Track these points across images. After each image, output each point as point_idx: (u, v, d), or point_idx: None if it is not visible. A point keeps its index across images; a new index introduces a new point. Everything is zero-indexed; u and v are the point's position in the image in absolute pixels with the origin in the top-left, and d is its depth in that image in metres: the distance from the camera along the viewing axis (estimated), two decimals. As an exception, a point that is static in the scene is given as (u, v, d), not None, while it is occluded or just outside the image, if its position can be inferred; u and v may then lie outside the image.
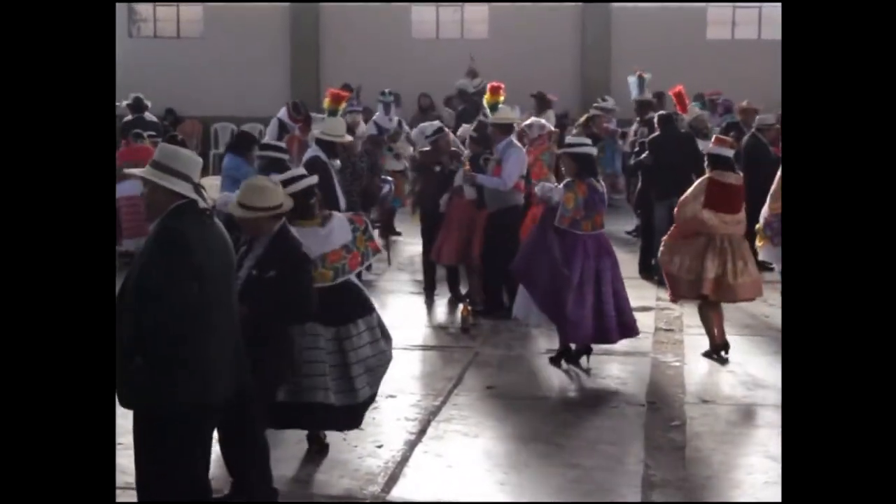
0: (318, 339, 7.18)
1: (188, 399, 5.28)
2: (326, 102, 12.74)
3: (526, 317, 9.85)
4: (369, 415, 7.71)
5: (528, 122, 13.10)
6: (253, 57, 23.84)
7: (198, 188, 5.39)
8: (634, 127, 16.51)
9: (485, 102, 12.32)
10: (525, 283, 9.60)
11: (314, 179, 7.39)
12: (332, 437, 7.75)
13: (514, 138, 11.56)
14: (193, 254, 5.22)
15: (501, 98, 11.99)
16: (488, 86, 12.42)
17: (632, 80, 17.49)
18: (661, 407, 8.58)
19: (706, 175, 9.91)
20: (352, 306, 7.37)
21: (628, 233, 16.50)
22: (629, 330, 9.72)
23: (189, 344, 5.21)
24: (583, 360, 9.69)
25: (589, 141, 10.09)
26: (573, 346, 9.71)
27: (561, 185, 9.55)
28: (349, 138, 11.82)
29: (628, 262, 13.99)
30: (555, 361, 9.70)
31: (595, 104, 18.56)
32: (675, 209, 10.08)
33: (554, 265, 9.32)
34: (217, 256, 5.43)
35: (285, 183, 7.11)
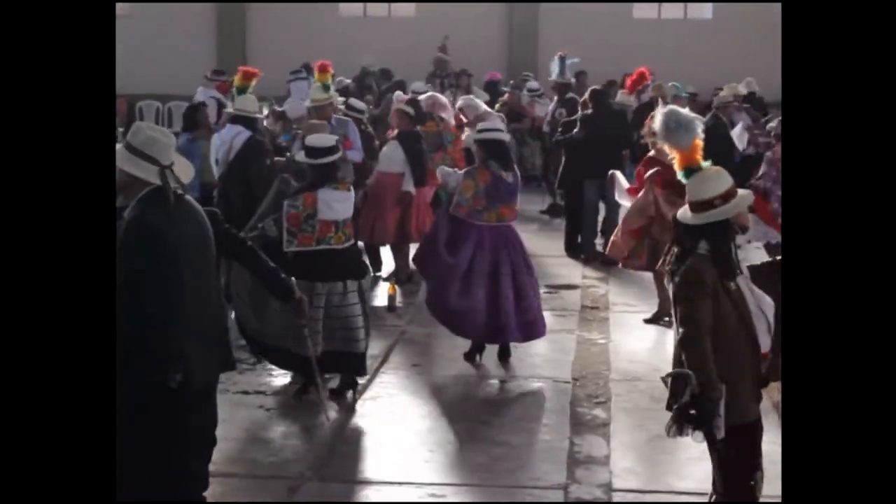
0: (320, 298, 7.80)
1: (150, 381, 5.16)
2: (237, 80, 12.09)
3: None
4: (295, 394, 7.72)
5: (460, 103, 13.05)
6: (178, 35, 23.58)
7: (164, 172, 5.24)
8: (552, 107, 16.47)
9: (234, 84, 11.95)
10: (424, 278, 9.26)
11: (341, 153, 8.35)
12: (257, 415, 7.77)
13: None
14: (161, 243, 5.15)
15: (253, 83, 11.58)
16: (240, 69, 12.03)
17: (554, 62, 17.37)
18: (586, 384, 8.64)
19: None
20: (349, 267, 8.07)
21: (542, 212, 16.42)
22: (532, 329, 9.10)
23: (158, 330, 5.13)
24: (477, 357, 9.17)
25: (501, 126, 9.72)
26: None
27: (461, 172, 9.09)
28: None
29: (549, 242, 14.07)
30: (469, 357, 9.18)
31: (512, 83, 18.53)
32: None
33: (439, 255, 8.85)
34: (187, 239, 5.30)
35: (325, 152, 7.92)
